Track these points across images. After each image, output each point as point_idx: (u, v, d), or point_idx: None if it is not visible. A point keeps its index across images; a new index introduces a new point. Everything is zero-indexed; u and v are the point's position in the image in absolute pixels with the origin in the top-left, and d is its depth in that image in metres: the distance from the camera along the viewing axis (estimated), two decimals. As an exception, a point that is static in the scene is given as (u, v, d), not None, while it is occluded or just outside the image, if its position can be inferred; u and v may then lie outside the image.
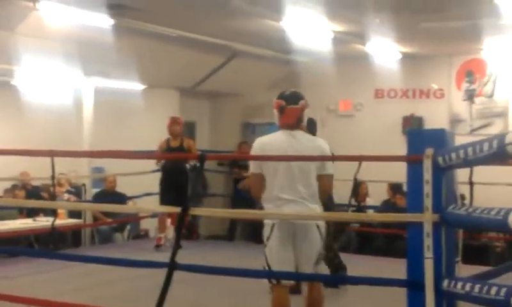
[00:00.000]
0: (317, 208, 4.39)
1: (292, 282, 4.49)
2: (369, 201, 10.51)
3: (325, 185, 4.46)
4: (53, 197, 8.69)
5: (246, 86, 12.44)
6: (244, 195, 6.74)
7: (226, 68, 11.41)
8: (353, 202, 9.06)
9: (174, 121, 9.17)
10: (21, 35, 8.10)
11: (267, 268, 4.34)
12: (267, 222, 4.36)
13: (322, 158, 4.41)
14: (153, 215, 9.83)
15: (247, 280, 5.61)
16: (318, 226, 4.37)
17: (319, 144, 4.51)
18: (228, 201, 11.93)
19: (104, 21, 7.85)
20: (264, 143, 4.46)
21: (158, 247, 8.92)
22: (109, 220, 10.05)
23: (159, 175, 9.55)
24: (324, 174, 4.43)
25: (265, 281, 4.38)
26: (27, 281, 6.89)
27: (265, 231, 4.37)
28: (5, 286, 6.16)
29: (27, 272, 7.30)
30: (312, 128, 5.51)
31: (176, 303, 4.26)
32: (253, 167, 4.45)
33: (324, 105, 11.93)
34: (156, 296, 3.97)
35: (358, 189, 9.72)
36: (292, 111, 4.43)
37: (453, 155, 3.29)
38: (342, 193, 8.92)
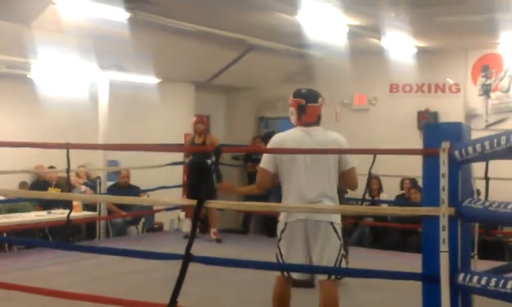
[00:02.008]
0: (331, 205, 4.33)
1: (303, 277, 4.49)
2: (383, 196, 10.49)
3: (351, 179, 4.44)
4: (69, 189, 8.75)
5: (261, 80, 12.44)
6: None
7: (241, 62, 11.41)
8: (367, 197, 9.05)
9: (199, 120, 9.46)
10: (37, 29, 8.14)
11: (280, 260, 4.36)
12: (281, 220, 4.36)
13: (337, 151, 4.38)
14: (168, 209, 9.88)
15: (261, 272, 5.63)
16: (332, 224, 4.26)
17: (335, 138, 4.41)
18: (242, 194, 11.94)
19: (120, 15, 7.87)
20: (281, 141, 4.42)
21: (219, 241, 9.20)
22: (123, 213, 10.10)
23: (173, 169, 9.60)
24: (346, 169, 4.38)
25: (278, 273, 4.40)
26: (42, 272, 6.96)
27: (279, 228, 4.39)
28: (21, 277, 6.23)
29: (42, 263, 7.36)
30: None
31: (190, 295, 4.28)
32: (264, 162, 4.42)
33: (339, 100, 11.92)
34: (171, 288, 3.98)
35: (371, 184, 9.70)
36: (314, 109, 4.43)
37: (470, 149, 3.26)
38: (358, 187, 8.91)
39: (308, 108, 4.40)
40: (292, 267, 4.33)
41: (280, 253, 4.36)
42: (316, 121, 4.43)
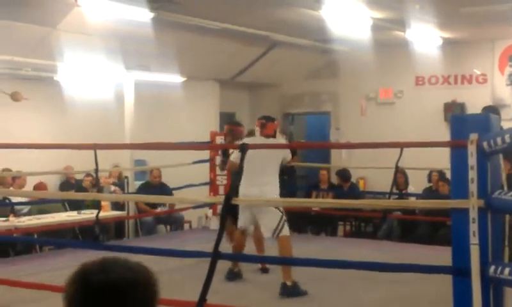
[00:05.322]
0: (271, 189, 6.00)
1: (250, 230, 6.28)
2: (411, 189, 10.41)
3: (289, 162, 6.63)
4: (98, 190, 8.80)
5: (285, 76, 12.42)
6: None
7: (265, 58, 11.41)
8: (394, 190, 8.99)
9: (227, 132, 7.99)
10: (63, 31, 8.23)
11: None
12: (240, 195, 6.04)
13: (363, 146, 4.41)
14: (195, 206, 9.91)
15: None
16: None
17: (280, 142, 6.67)
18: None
19: (144, 15, 7.91)
20: (250, 143, 6.12)
21: (264, 271, 6.88)
22: (155, 211, 10.13)
23: (199, 167, 9.62)
24: (288, 159, 6.44)
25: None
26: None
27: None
28: (52, 277, 6.30)
29: (73, 263, 7.30)
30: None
31: (219, 292, 4.30)
32: (234, 157, 6.07)
33: (364, 94, 11.85)
34: (200, 285, 4.00)
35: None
36: (272, 126, 6.40)
37: (498, 140, 3.23)
38: (385, 181, 8.88)
39: (267, 125, 6.35)
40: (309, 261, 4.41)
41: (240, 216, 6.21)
42: (273, 134, 6.36)
